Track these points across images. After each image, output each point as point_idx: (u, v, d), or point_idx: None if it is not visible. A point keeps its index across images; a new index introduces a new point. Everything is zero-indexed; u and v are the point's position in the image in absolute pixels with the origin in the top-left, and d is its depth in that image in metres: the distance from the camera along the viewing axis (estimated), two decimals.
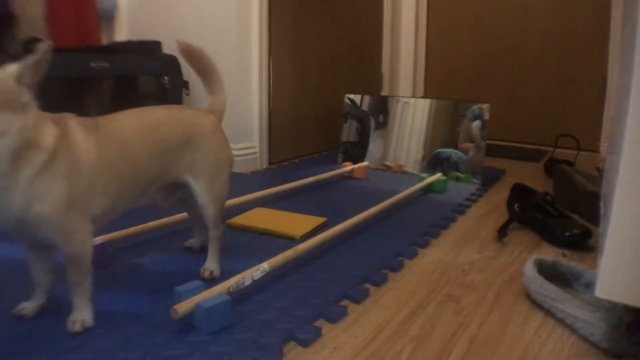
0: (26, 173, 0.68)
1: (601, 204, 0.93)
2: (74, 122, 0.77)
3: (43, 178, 0.70)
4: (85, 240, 0.76)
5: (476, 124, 1.78)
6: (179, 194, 0.98)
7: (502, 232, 1.23)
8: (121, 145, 0.81)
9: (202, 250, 1.04)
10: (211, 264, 0.97)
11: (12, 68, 0.68)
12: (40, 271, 0.82)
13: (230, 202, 1.33)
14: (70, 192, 0.72)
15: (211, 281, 0.93)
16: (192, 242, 1.12)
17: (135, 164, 0.83)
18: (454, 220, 1.37)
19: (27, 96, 0.69)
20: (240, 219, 1.27)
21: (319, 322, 0.81)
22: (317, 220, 1.27)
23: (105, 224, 0.84)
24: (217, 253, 0.98)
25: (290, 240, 1.14)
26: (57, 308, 0.82)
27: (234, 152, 1.05)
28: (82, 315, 0.77)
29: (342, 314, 0.83)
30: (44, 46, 0.69)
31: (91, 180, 0.76)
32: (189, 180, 0.93)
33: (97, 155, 0.77)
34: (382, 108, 2.04)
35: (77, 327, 0.76)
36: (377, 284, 0.95)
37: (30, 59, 0.68)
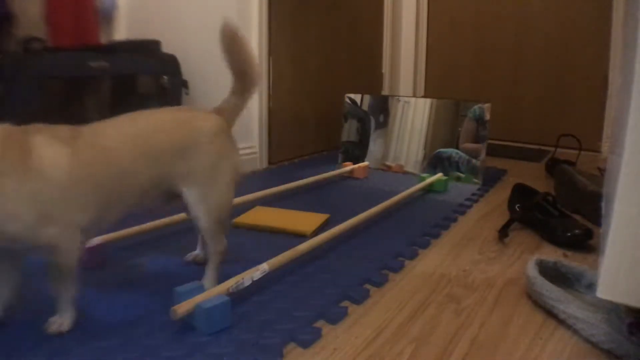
0: None
1: (603, 204, 0.93)
2: (41, 138, 0.71)
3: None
4: (68, 251, 0.73)
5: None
6: (181, 199, 0.88)
7: (503, 233, 1.22)
8: (103, 157, 0.76)
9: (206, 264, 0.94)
10: (207, 283, 0.87)
11: None
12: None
13: None
14: (38, 210, 0.69)
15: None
16: (196, 254, 1.04)
17: (120, 176, 0.78)
18: (454, 220, 1.36)
19: None
20: (245, 218, 1.27)
21: (319, 323, 0.81)
22: (321, 217, 1.28)
23: (101, 230, 0.82)
24: (215, 272, 0.89)
25: (293, 239, 1.13)
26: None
27: None
28: (60, 319, 0.76)
29: (342, 314, 0.83)
30: None
31: (65, 193, 0.71)
32: (183, 191, 0.85)
33: (71, 169, 0.72)
34: (382, 108, 2.03)
35: (52, 329, 0.75)
36: (378, 284, 0.95)
37: None
